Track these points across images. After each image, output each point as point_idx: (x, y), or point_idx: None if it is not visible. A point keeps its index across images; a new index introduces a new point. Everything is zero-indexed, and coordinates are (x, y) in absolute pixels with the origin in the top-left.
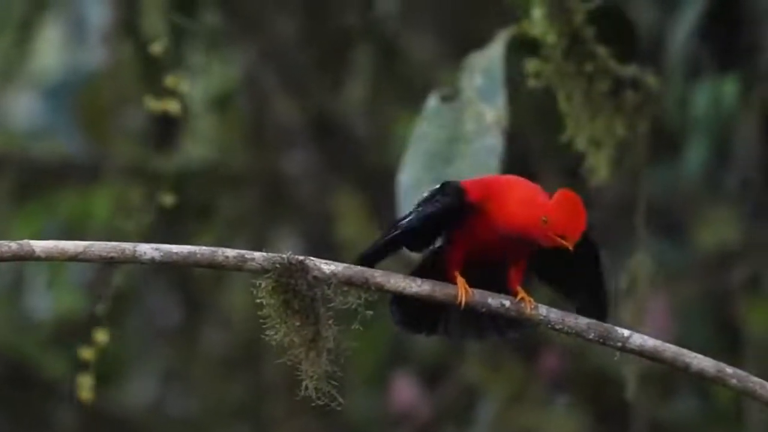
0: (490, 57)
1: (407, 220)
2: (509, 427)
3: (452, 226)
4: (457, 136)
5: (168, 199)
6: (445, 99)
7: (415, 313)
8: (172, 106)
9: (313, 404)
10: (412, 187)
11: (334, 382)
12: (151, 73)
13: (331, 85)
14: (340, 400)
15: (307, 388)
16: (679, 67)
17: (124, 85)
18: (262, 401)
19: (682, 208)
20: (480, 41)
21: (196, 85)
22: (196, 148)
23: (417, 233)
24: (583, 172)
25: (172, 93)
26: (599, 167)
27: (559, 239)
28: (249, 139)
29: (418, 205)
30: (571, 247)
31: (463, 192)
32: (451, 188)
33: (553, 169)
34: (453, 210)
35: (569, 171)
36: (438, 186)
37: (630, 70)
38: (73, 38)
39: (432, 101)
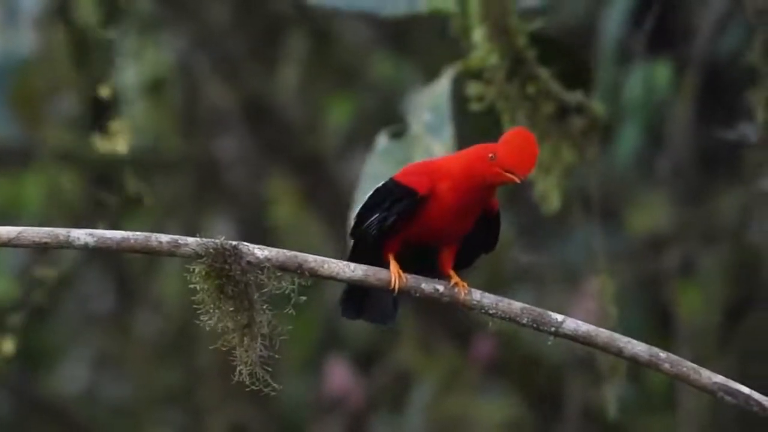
0: (437, 93)
1: (373, 229)
2: (443, 413)
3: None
4: None
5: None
6: (395, 136)
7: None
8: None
9: (248, 389)
10: None
11: (268, 368)
12: (84, 58)
13: (264, 70)
14: (275, 385)
15: (241, 373)
16: (612, 52)
17: (56, 71)
18: (196, 387)
19: (615, 192)
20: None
21: (128, 71)
22: (129, 133)
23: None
24: (534, 199)
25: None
26: (550, 195)
27: (507, 174)
28: (182, 124)
29: (368, 206)
30: (519, 181)
31: (414, 192)
32: (401, 191)
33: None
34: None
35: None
36: (381, 185)
37: (575, 96)
38: (5, 23)
39: (381, 140)
